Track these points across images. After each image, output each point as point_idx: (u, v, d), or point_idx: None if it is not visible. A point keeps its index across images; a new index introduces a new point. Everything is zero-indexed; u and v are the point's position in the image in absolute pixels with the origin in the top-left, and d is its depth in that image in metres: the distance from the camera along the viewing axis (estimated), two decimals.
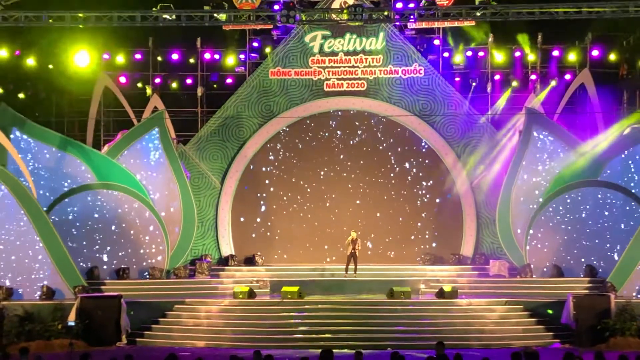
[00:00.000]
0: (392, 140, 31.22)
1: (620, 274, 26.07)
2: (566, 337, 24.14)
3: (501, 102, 31.26)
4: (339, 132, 31.41)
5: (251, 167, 31.14)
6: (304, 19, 25.53)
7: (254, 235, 31.10)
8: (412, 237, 31.02)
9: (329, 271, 28.95)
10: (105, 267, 28.18)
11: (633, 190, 27.75)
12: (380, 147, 31.26)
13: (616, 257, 26.86)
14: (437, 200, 31.07)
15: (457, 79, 31.71)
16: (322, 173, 31.30)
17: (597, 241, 28.13)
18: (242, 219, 31.07)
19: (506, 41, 31.27)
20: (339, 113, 31.35)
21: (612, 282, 25.83)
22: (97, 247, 28.27)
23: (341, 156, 31.30)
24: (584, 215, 28.32)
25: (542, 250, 28.55)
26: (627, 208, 27.82)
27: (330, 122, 31.42)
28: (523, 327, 24.70)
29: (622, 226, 27.84)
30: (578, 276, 27.86)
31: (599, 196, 28.21)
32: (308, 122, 31.33)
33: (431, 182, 31.15)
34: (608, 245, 27.97)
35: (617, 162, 28.19)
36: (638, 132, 28.08)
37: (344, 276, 28.06)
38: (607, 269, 27.08)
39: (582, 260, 28.14)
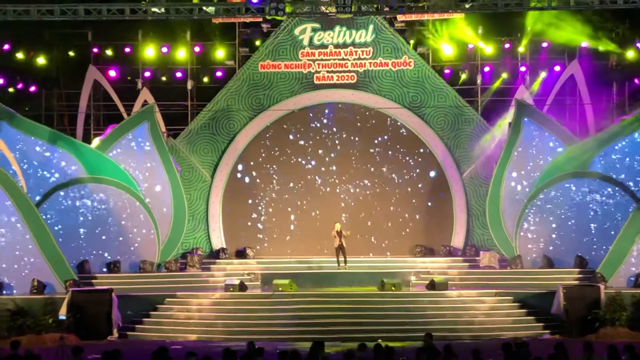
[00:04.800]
0: (382, 133, 31.25)
1: (610, 264, 26.22)
2: (556, 327, 24.27)
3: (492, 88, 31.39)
4: (329, 124, 31.43)
5: (242, 160, 31.13)
6: (292, 11, 25.52)
7: (245, 228, 31.08)
8: (403, 229, 31.05)
9: (320, 264, 28.98)
10: (96, 261, 28.17)
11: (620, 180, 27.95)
12: (371, 140, 31.28)
13: (606, 248, 26.94)
14: (428, 192, 31.10)
15: (447, 71, 31.78)
16: (312, 166, 31.32)
17: (587, 232, 28.25)
18: (233, 211, 31.06)
19: (495, 33, 31.28)
20: (329, 106, 31.36)
21: (602, 273, 25.97)
22: (87, 241, 28.27)
23: (332, 149, 31.32)
24: (573, 206, 28.43)
25: (532, 241, 28.67)
26: (617, 199, 27.94)
27: (321, 114, 31.44)
28: (513, 318, 24.81)
29: (612, 217, 27.95)
30: (568, 267, 27.97)
31: (589, 187, 28.33)
32: (298, 115, 31.33)
33: (421, 174, 31.17)
34: (598, 236, 28.07)
35: (605, 153, 28.30)
36: (626, 126, 28.20)
37: (337, 268, 28.12)
38: (597, 259, 27.20)
39: (573, 251, 28.23)
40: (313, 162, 31.30)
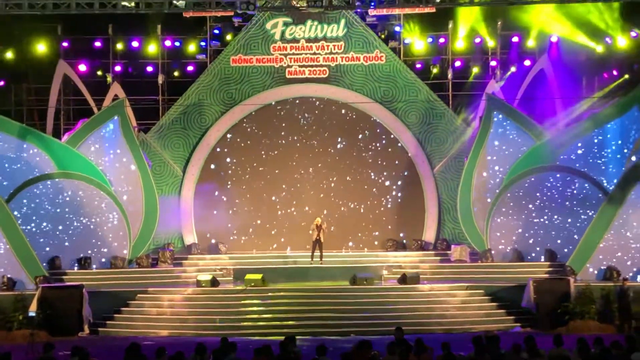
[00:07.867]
0: (353, 127, 31.26)
1: (580, 258, 26.43)
2: (527, 321, 24.44)
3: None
4: (300, 119, 31.39)
5: (213, 154, 31.02)
6: (264, 5, 25.45)
7: (217, 223, 30.96)
8: (374, 224, 31.10)
9: (292, 258, 28.99)
10: (66, 257, 27.98)
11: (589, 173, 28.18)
12: (342, 134, 31.29)
13: (575, 241, 27.12)
14: (399, 186, 31.16)
15: (418, 65, 31.87)
16: (284, 160, 31.25)
17: (557, 225, 28.42)
18: (204, 207, 30.95)
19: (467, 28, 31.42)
20: (301, 100, 31.33)
21: (572, 266, 26.17)
22: (58, 236, 28.07)
23: (303, 143, 31.27)
24: (544, 199, 28.61)
25: (502, 235, 28.82)
26: (586, 192, 28.15)
27: (292, 109, 31.38)
28: (484, 312, 24.96)
29: (581, 210, 28.14)
30: (538, 260, 28.16)
31: (559, 181, 28.52)
32: (270, 109, 31.25)
33: (393, 169, 31.25)
34: (568, 229, 28.26)
35: (574, 147, 28.51)
36: (594, 118, 28.45)
37: (309, 263, 28.13)
38: (566, 253, 27.40)
39: (543, 244, 28.42)
40: (284, 157, 31.22)
